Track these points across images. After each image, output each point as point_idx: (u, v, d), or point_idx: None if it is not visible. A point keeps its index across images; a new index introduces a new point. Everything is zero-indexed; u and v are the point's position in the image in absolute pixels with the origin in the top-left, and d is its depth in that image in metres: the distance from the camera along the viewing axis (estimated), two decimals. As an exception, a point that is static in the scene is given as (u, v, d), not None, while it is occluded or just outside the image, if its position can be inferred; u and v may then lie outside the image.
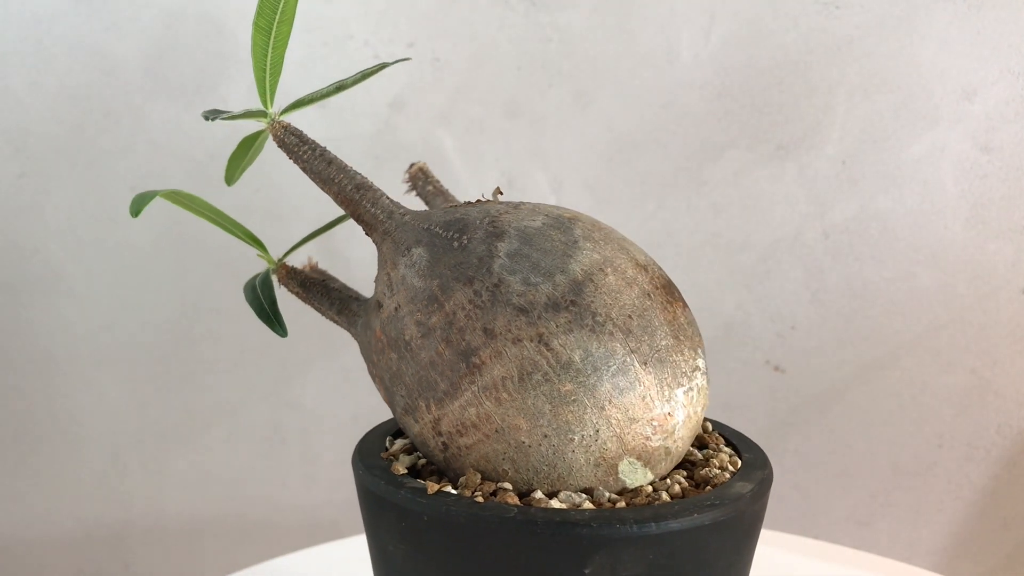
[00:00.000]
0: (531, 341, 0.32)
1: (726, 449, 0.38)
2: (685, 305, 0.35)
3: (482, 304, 0.32)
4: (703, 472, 0.34)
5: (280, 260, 0.42)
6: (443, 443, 0.33)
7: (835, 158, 0.77)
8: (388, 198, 0.38)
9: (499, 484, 0.33)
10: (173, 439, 0.83)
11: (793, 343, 0.80)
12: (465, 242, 0.34)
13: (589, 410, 0.31)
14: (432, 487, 0.32)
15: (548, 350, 0.31)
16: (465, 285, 0.33)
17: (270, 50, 0.38)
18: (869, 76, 0.75)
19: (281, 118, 0.38)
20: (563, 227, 0.34)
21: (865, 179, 0.77)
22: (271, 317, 0.39)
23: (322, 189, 0.37)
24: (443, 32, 0.77)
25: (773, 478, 0.35)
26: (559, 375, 0.31)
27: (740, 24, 0.76)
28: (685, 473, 0.35)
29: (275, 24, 0.37)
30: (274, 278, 0.42)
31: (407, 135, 0.79)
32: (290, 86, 0.78)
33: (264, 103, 0.38)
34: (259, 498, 0.85)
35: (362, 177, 0.38)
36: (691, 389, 0.33)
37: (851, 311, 0.79)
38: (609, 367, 0.32)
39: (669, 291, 0.35)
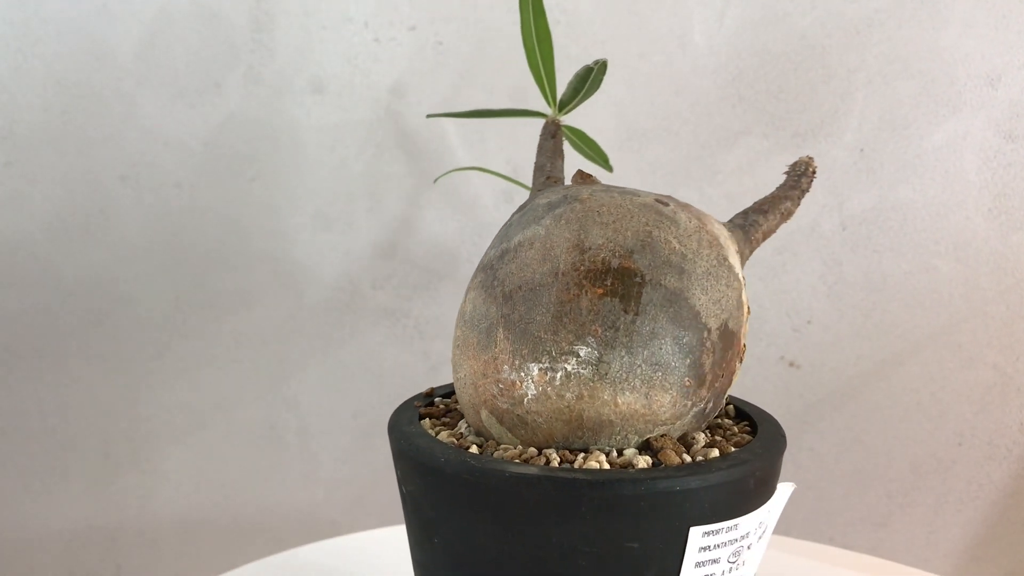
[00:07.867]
0: (467, 292, 0.38)
1: (670, 457, 0.33)
2: (612, 295, 0.34)
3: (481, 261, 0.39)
4: (554, 457, 0.34)
5: None
6: None
7: (853, 146, 0.75)
8: (548, 178, 0.43)
9: (455, 402, 0.42)
10: (166, 437, 0.81)
11: (809, 338, 0.78)
12: (515, 213, 0.40)
13: (462, 355, 0.37)
14: (428, 390, 0.43)
15: (466, 301, 0.38)
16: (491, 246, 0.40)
17: (540, 62, 0.45)
18: (889, 61, 0.73)
19: (560, 117, 0.47)
20: (556, 205, 0.37)
21: (884, 168, 0.75)
22: None
23: None
24: (446, 15, 0.75)
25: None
26: (460, 321, 0.37)
27: (755, 7, 0.74)
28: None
29: (535, 43, 0.44)
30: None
31: (408, 121, 0.76)
32: (288, 72, 0.75)
33: (549, 103, 0.46)
34: (255, 498, 0.83)
35: (545, 160, 0.44)
36: (554, 371, 0.33)
37: (869, 305, 0.77)
38: (480, 324, 0.36)
39: (595, 278, 0.34)
